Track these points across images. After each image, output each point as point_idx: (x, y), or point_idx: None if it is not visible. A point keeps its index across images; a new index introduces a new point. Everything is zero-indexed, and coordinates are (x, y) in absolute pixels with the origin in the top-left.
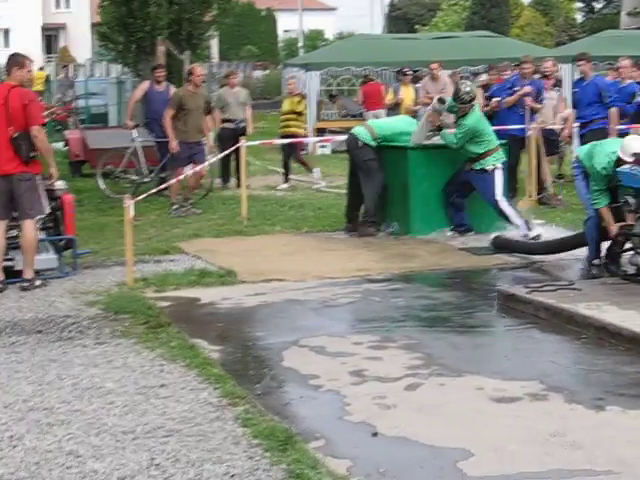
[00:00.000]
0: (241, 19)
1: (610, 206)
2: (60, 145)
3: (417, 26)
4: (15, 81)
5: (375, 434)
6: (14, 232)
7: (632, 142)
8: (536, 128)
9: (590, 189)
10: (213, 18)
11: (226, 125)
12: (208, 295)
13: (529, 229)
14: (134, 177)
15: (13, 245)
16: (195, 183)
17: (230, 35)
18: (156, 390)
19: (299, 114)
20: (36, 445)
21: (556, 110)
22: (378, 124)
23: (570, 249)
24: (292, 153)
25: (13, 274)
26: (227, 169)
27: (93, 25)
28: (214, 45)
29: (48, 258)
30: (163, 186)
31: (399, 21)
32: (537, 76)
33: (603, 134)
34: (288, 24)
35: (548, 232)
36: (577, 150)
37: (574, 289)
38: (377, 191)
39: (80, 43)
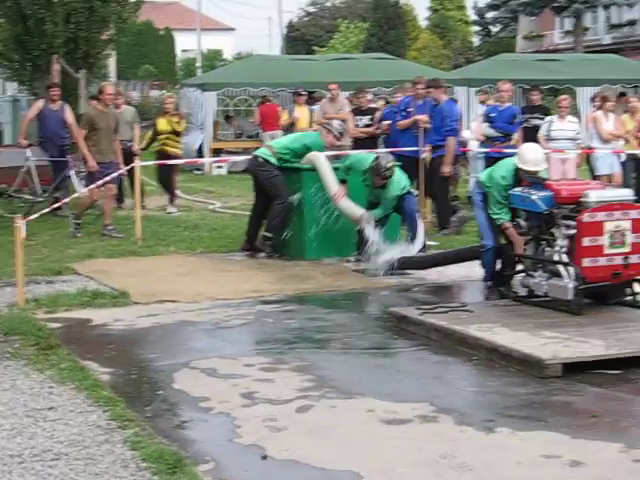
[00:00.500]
0: (139, 38)
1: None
2: None
3: (315, 47)
4: None
5: (265, 457)
6: None
7: (527, 150)
8: (430, 150)
9: (491, 206)
10: (110, 37)
11: None
12: (100, 316)
13: (424, 250)
14: (28, 196)
15: None
16: (90, 203)
17: (128, 54)
18: (45, 413)
19: (178, 134)
20: None
21: None
22: (278, 141)
23: (459, 262)
24: (168, 175)
25: None
26: (120, 190)
27: None
28: (112, 64)
29: None
30: (56, 205)
31: (297, 42)
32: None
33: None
34: (186, 44)
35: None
36: (480, 175)
37: (466, 311)
38: (283, 209)
39: None
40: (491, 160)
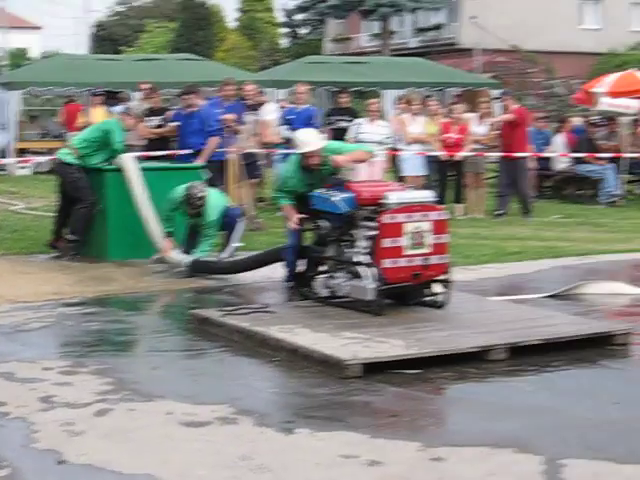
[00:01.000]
0: None
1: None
2: None
3: (123, 47)
4: None
5: (62, 462)
6: None
7: (298, 135)
8: (236, 151)
9: (274, 190)
10: None
11: None
12: None
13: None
14: None
15: None
16: None
17: None
18: None
19: None
20: None
21: (255, 133)
22: (76, 137)
23: (265, 265)
24: None
25: None
26: None
27: None
28: None
29: None
30: None
31: (105, 42)
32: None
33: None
34: None
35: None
36: None
37: (268, 312)
38: (86, 212)
39: None
40: None
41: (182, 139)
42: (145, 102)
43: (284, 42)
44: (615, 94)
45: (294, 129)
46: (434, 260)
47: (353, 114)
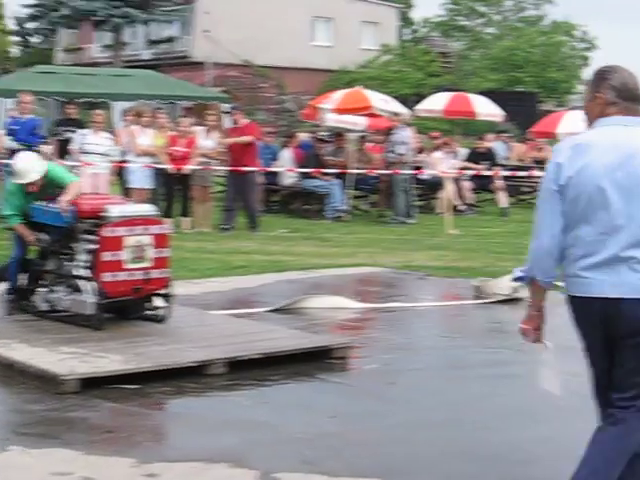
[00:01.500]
0: None
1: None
2: None
3: None
4: None
5: None
6: None
7: (19, 163)
8: None
9: (5, 208)
10: None
11: None
12: None
13: None
14: None
15: None
16: None
17: None
18: None
19: None
20: None
21: None
22: None
23: None
24: None
25: None
26: None
27: None
28: None
29: None
30: None
31: None
32: None
33: None
34: None
35: None
36: None
37: None
38: None
39: None
40: None
41: None
42: None
43: (15, 51)
44: (341, 111)
45: (18, 140)
46: (155, 274)
47: (80, 125)
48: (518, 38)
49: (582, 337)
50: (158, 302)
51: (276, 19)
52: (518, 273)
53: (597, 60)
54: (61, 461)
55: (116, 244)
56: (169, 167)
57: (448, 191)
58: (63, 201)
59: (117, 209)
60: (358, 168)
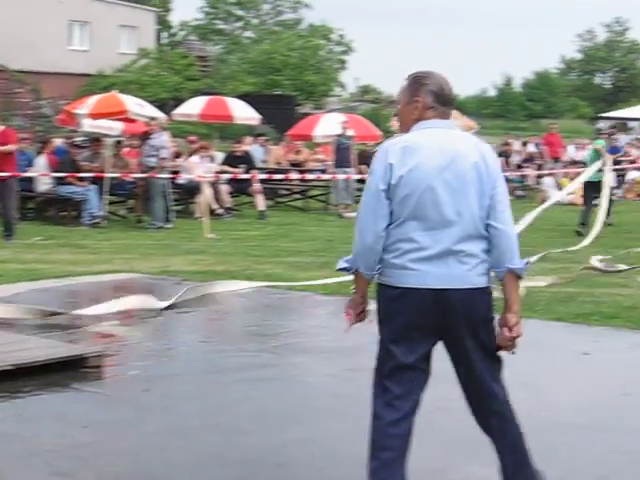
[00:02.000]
0: None
1: None
2: None
3: None
4: None
5: None
6: None
7: None
8: None
9: None
10: None
11: None
12: None
13: None
14: None
15: None
16: None
17: None
18: None
19: None
20: None
21: None
22: None
23: None
24: None
25: None
26: None
27: None
28: None
29: None
30: None
31: None
32: None
33: None
34: None
35: None
36: None
37: None
38: None
39: None
40: None
41: None
42: None
43: None
44: (96, 115)
45: None
46: None
47: None
48: (276, 42)
49: (394, 327)
50: None
51: (32, 23)
52: (343, 264)
53: (353, 62)
54: None
55: None
56: None
57: (206, 195)
58: None
59: None
60: (114, 173)
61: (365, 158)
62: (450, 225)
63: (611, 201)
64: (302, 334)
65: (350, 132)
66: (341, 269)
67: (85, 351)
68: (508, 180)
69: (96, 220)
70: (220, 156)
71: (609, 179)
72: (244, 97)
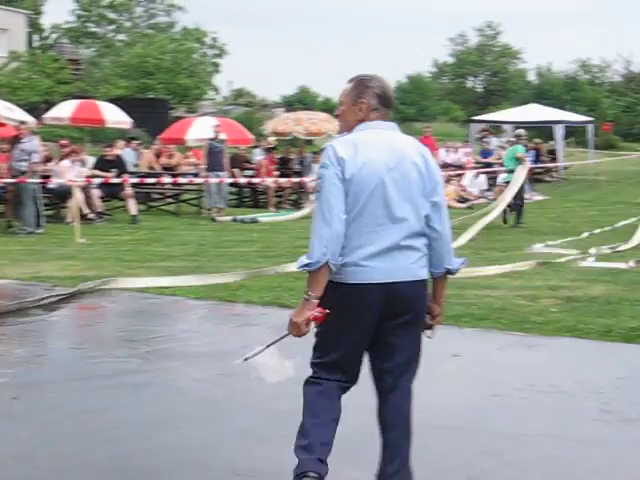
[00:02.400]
0: None
1: None
2: None
3: None
4: None
5: None
6: None
7: None
8: None
9: None
10: None
11: None
12: None
13: None
14: None
15: None
16: None
17: None
18: None
19: None
20: None
21: None
22: None
23: None
24: None
25: None
26: None
27: None
28: None
29: None
30: None
31: None
32: None
33: None
34: None
35: None
36: None
37: None
38: None
39: None
40: None
41: None
42: None
43: None
44: None
45: None
46: None
47: None
48: (149, 45)
49: (342, 323)
50: None
51: None
52: (305, 260)
53: (227, 66)
54: None
55: None
56: None
57: (77, 200)
58: None
59: None
60: None
61: (237, 162)
62: (398, 222)
63: (522, 201)
64: (173, 339)
65: (222, 136)
66: (303, 266)
67: None
68: None
69: None
70: (91, 160)
71: (520, 180)
72: (116, 101)
